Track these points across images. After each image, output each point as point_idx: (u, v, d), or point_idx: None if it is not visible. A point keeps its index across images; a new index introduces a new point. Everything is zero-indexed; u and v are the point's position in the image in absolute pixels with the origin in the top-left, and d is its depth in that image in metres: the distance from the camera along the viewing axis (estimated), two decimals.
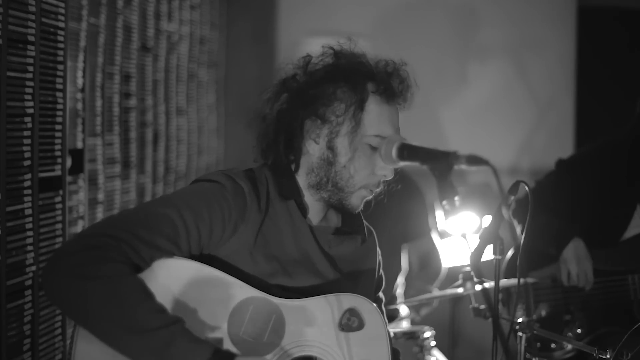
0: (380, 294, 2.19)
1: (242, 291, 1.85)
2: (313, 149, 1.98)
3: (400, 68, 2.02)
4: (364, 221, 2.14)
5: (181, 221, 1.84)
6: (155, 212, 1.84)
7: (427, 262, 3.69)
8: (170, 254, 1.83)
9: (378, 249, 2.18)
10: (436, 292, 3.14)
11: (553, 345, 3.12)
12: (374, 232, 2.19)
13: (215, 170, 2.07)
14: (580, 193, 3.24)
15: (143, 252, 1.79)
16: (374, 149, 1.96)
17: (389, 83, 1.97)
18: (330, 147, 1.96)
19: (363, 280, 2.09)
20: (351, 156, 1.95)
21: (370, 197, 2.01)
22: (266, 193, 1.96)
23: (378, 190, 2.01)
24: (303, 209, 1.99)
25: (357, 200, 1.99)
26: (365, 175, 1.96)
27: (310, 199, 2.02)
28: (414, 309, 3.55)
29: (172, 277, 1.82)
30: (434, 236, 3.67)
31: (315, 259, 1.98)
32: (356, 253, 2.09)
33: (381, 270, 2.19)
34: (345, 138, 1.95)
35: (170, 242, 1.82)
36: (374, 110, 1.96)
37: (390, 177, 1.99)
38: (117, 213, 1.95)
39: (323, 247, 2.00)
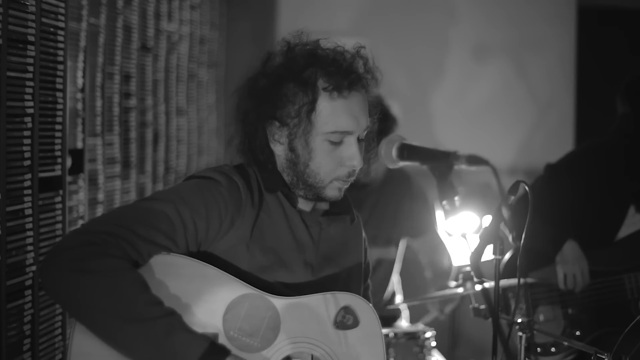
0: (369, 281, 2.21)
1: (238, 288, 1.86)
2: (279, 150, 1.98)
3: (358, 54, 1.98)
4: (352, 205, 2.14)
5: (178, 217, 1.85)
6: (152, 209, 1.85)
7: (435, 258, 3.70)
8: (167, 250, 1.84)
9: (364, 234, 2.20)
10: (436, 292, 3.14)
11: (553, 349, 3.12)
12: (360, 217, 2.19)
13: (207, 167, 2.08)
14: (572, 195, 3.25)
15: (140, 248, 1.80)
16: (335, 143, 1.94)
17: (339, 77, 1.93)
18: (292, 149, 1.96)
19: (350, 266, 2.10)
20: (310, 156, 1.94)
21: (347, 185, 2.00)
22: (257, 187, 1.98)
23: (352, 179, 2.00)
24: (291, 198, 2.00)
25: (332, 191, 1.98)
26: (330, 170, 1.95)
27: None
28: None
29: (168, 274, 1.83)
30: (440, 232, 3.67)
31: (306, 245, 2.00)
32: (346, 233, 2.10)
33: (368, 258, 2.21)
34: (302, 138, 1.94)
35: (168, 238, 1.83)
36: (327, 108, 1.93)
37: (359, 166, 1.97)
38: (114, 210, 1.95)
39: (311, 233, 2.01)
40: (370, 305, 1.92)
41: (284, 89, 1.94)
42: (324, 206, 2.08)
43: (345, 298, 1.91)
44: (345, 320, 1.90)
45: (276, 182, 2.00)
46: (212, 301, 1.84)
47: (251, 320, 1.86)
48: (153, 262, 1.83)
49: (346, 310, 1.90)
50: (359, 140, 1.97)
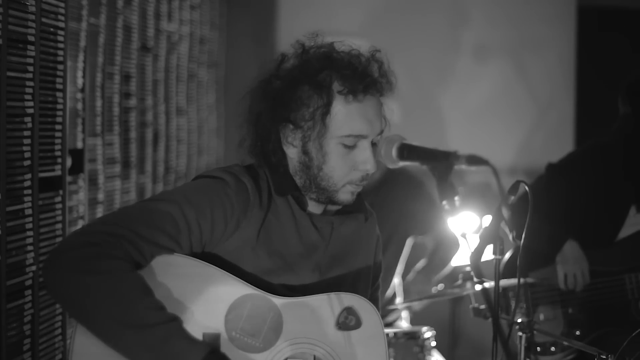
0: (379, 281, 2.19)
1: (240, 289, 1.86)
2: (292, 153, 1.97)
3: (373, 57, 1.97)
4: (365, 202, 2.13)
5: (182, 218, 1.84)
6: (157, 209, 1.84)
7: (435, 253, 3.69)
8: (170, 251, 1.84)
9: (378, 231, 2.18)
10: (437, 293, 3.14)
11: (553, 349, 3.12)
12: (374, 214, 2.18)
13: (216, 167, 2.07)
14: (572, 196, 3.25)
15: (143, 249, 1.79)
16: (348, 147, 1.93)
17: (355, 80, 1.92)
18: (305, 152, 1.95)
19: (359, 267, 2.09)
20: (323, 159, 1.93)
21: (360, 189, 2.00)
22: (267, 189, 1.97)
23: (365, 182, 1.99)
24: (302, 202, 1.99)
25: (345, 195, 1.97)
26: (344, 174, 1.95)
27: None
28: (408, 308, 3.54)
29: (170, 274, 1.83)
30: (447, 228, 3.65)
31: (316, 247, 1.99)
32: (359, 232, 2.08)
33: (381, 256, 2.19)
34: (316, 141, 1.93)
35: (171, 239, 1.83)
36: (342, 111, 1.92)
37: (372, 170, 1.96)
38: (118, 210, 1.95)
39: (322, 234, 2.00)
40: (373, 306, 1.92)
41: (299, 91, 1.93)
42: (335, 208, 2.06)
43: (348, 299, 1.90)
44: (348, 321, 1.89)
45: (287, 185, 1.98)
46: (214, 301, 1.84)
47: (253, 320, 1.86)
48: (155, 262, 1.82)
49: (349, 311, 1.89)
50: (372, 144, 1.96)
